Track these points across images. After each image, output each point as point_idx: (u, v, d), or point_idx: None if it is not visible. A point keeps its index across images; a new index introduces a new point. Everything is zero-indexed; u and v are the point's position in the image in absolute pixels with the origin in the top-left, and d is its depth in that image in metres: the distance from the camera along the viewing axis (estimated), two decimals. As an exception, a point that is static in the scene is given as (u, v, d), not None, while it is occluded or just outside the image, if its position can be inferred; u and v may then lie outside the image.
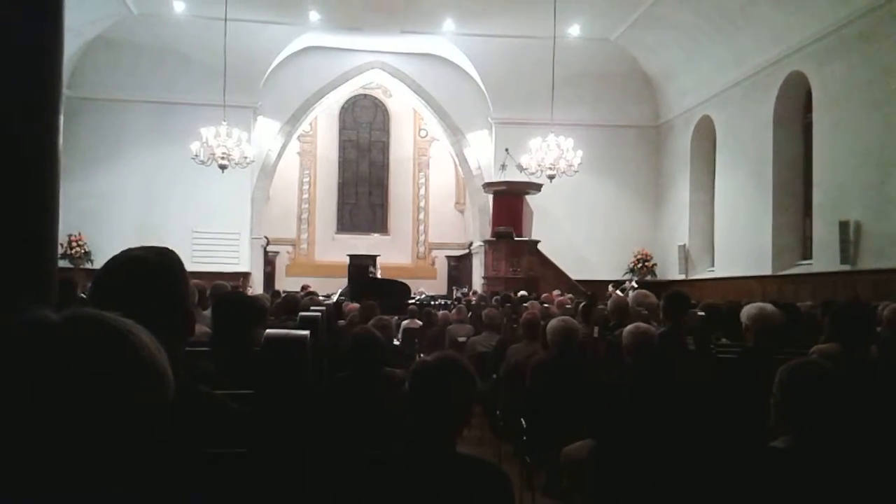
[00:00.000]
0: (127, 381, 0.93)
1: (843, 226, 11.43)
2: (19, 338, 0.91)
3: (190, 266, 1.91)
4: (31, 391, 0.88)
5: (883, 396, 3.51)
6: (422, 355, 4.77)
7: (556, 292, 13.31)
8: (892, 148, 10.64)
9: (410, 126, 24.58)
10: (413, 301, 14.54)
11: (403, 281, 16.71)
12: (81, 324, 0.95)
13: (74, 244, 16.47)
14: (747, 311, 4.39)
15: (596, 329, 6.88)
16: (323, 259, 23.26)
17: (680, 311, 5.41)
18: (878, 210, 10.91)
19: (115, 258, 1.73)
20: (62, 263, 15.08)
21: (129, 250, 1.76)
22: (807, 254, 13.29)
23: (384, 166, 25.04)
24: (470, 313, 10.84)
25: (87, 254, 16.55)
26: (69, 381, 0.89)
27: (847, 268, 11.41)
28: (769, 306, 4.44)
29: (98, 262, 15.74)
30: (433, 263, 24.50)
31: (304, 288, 15.61)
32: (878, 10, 10.96)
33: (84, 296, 5.75)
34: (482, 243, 18.22)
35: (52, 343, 0.91)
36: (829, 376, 2.47)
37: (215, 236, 17.45)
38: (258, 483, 1.56)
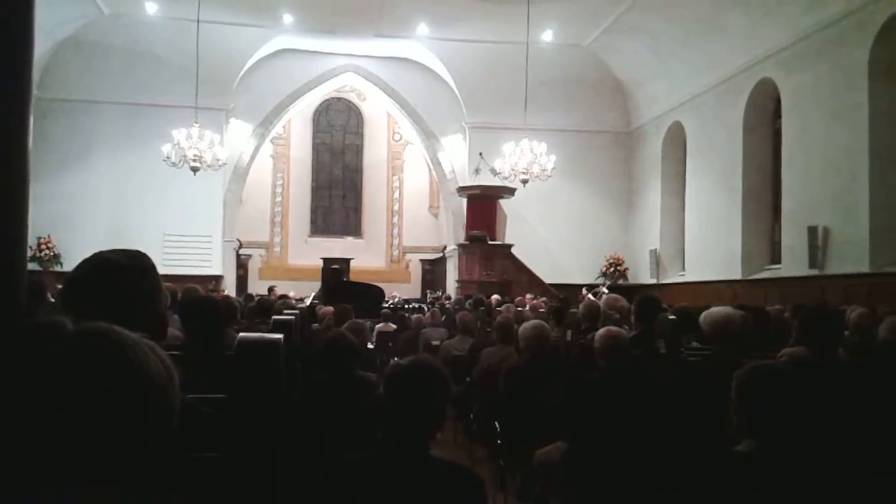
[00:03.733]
0: (136, 399, 0.94)
1: (812, 231, 11.59)
2: (35, 344, 0.92)
3: (162, 269, 1.90)
4: (40, 399, 0.89)
5: (850, 400, 3.56)
6: (396, 359, 4.78)
7: (528, 296, 13.36)
8: (859, 154, 10.82)
9: (384, 129, 24.56)
10: (387, 305, 14.52)
11: (377, 284, 16.68)
12: (94, 337, 0.95)
13: (44, 247, 16.24)
14: (704, 317, 4.42)
15: (569, 333, 6.90)
16: (296, 262, 23.14)
17: (651, 314, 5.44)
18: (845, 215, 11.08)
19: (86, 261, 1.71)
20: (31, 266, 14.86)
21: (101, 253, 1.74)
22: (776, 258, 13.46)
23: (358, 169, 24.99)
24: (444, 317, 10.84)
25: (57, 256, 16.33)
26: (79, 393, 0.90)
27: (815, 272, 11.56)
28: (727, 310, 4.48)
29: (68, 265, 15.57)
30: (407, 267, 24.48)
31: (270, 290, 15.52)
32: (846, 19, 11.14)
33: (54, 299, 5.67)
34: (456, 247, 18.24)
35: (66, 353, 0.91)
36: (785, 379, 2.49)
37: (187, 239, 17.29)
38: (233, 487, 1.55)
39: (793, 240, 12.32)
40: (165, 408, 0.97)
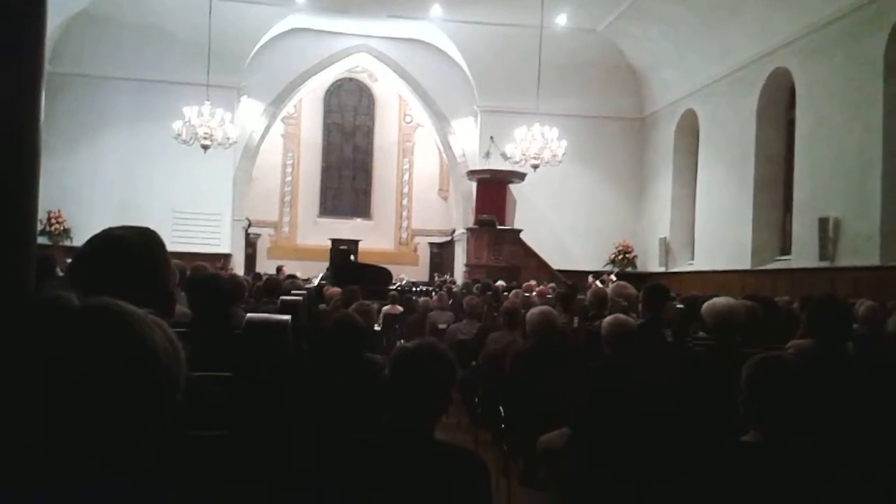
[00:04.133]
0: (141, 375, 0.93)
1: (823, 222, 11.53)
2: (39, 322, 0.91)
3: (170, 246, 1.90)
4: (43, 379, 0.88)
5: (857, 392, 3.55)
6: (402, 341, 4.77)
7: (533, 282, 13.34)
8: (872, 147, 10.74)
9: (395, 111, 24.50)
10: (394, 287, 14.54)
11: (385, 266, 16.69)
12: (101, 313, 0.94)
13: (54, 221, 16.29)
14: (706, 308, 4.41)
15: (576, 319, 6.91)
16: (305, 242, 23.18)
17: (659, 303, 5.43)
18: (857, 207, 11.02)
19: (96, 237, 1.71)
20: (41, 240, 14.91)
21: (111, 229, 1.75)
22: (786, 249, 13.40)
23: (368, 151, 24.95)
24: (451, 300, 10.85)
25: (67, 231, 16.38)
26: (84, 368, 0.89)
27: (825, 264, 11.51)
28: (729, 301, 4.46)
29: (77, 240, 15.62)
30: (415, 250, 24.49)
31: (279, 270, 15.56)
32: (863, 10, 11.03)
33: (63, 273, 5.69)
34: (465, 231, 18.23)
35: (71, 332, 0.90)
36: (793, 370, 2.49)
37: (196, 217, 17.31)
38: (238, 465, 1.55)
39: (803, 231, 12.26)
40: (170, 385, 0.97)
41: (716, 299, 4.50)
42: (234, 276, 6.18)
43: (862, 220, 10.89)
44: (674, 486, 2.90)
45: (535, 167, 15.28)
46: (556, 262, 17.24)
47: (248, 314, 1.74)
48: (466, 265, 17.53)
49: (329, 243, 19.86)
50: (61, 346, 0.89)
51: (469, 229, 17.62)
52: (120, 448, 0.92)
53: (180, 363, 0.99)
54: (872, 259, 10.59)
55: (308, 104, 23.71)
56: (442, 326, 8.70)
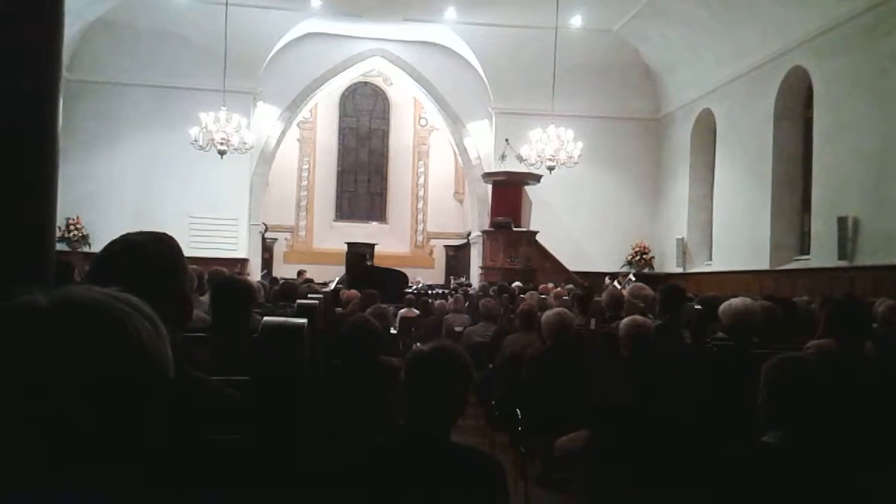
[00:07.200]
0: (118, 372, 0.87)
1: (842, 221, 11.43)
2: (5, 325, 0.85)
3: (187, 252, 1.91)
4: (17, 384, 0.83)
5: (877, 392, 3.52)
6: (418, 344, 4.78)
7: (550, 284, 13.32)
8: (891, 145, 10.64)
9: (410, 115, 24.52)
10: (410, 290, 14.56)
11: (401, 270, 16.71)
12: (71, 309, 0.88)
13: (72, 227, 16.43)
14: (724, 309, 4.39)
15: (593, 321, 6.88)
16: (321, 246, 23.24)
17: (676, 304, 5.41)
18: (876, 206, 10.92)
19: (113, 243, 1.73)
20: (60, 247, 15.05)
21: (128, 235, 1.76)
22: (805, 249, 13.30)
23: (384, 154, 24.99)
24: (467, 303, 10.85)
25: (85, 237, 16.52)
26: (57, 373, 0.83)
27: (844, 264, 11.42)
28: (746, 301, 4.43)
29: (96, 246, 15.75)
30: (431, 253, 24.49)
31: (300, 274, 15.61)
32: (880, 7, 10.93)
33: (81, 280, 5.74)
34: (480, 233, 18.21)
35: (39, 332, 0.85)
36: (813, 371, 2.47)
37: (213, 222, 17.40)
38: (254, 470, 1.56)
39: (822, 230, 12.17)
40: (157, 378, 0.92)
41: (733, 300, 4.48)
42: (247, 282, 6.20)
43: (881, 218, 10.79)
44: (693, 487, 2.88)
45: (551, 169, 15.24)
46: (573, 264, 17.20)
47: (265, 318, 1.75)
48: (482, 267, 17.51)
49: (345, 247, 19.90)
50: (33, 350, 0.84)
51: (485, 232, 17.61)
52: (122, 452, 0.89)
53: (162, 346, 0.93)
54: (891, 258, 10.49)
55: (323, 108, 23.78)
56: (458, 329, 8.70)
